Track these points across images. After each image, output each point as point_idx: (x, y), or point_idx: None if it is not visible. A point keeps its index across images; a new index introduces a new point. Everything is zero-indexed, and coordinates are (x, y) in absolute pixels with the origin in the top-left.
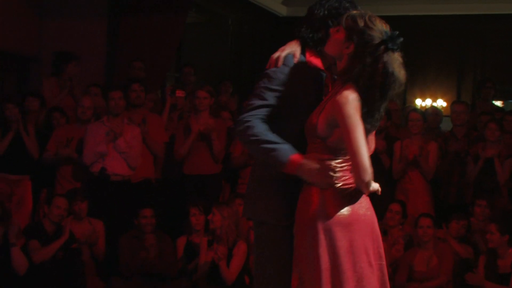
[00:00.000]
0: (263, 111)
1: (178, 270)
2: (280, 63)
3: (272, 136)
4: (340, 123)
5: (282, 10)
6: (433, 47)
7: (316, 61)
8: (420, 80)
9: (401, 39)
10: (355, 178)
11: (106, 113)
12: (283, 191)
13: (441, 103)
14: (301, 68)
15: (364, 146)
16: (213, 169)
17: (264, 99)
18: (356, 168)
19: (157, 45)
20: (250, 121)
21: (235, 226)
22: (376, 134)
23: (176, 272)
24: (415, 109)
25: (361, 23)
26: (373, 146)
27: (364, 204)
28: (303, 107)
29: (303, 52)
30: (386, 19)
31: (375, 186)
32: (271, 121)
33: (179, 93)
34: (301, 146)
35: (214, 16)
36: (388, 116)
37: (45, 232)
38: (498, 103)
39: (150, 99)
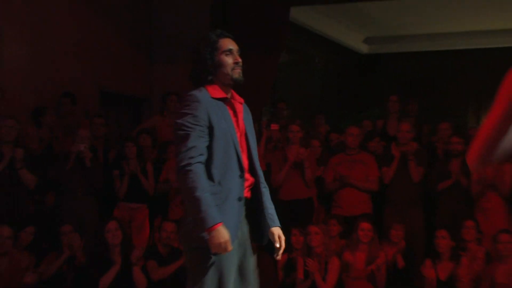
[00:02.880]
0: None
1: (278, 284)
2: None
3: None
4: None
5: (364, 48)
6: None
7: (216, 91)
8: None
9: None
10: None
11: None
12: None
13: None
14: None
15: (491, 128)
16: (306, 194)
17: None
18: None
19: (255, 83)
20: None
21: (330, 244)
22: (453, 158)
23: (277, 286)
24: None
25: None
26: None
27: None
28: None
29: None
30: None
31: None
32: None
33: (274, 127)
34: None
35: (303, 56)
36: (466, 140)
37: (160, 254)
38: None
39: None
